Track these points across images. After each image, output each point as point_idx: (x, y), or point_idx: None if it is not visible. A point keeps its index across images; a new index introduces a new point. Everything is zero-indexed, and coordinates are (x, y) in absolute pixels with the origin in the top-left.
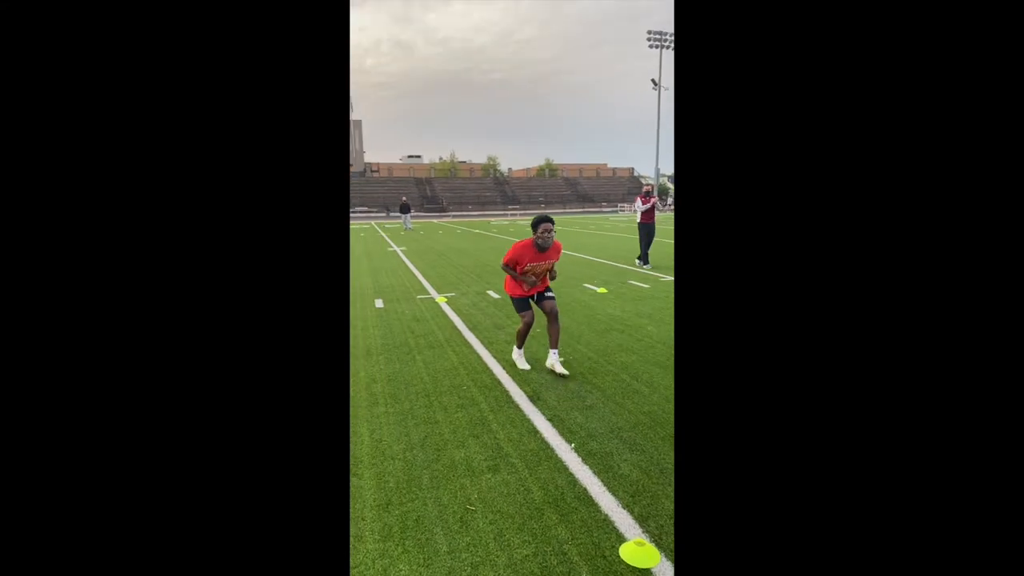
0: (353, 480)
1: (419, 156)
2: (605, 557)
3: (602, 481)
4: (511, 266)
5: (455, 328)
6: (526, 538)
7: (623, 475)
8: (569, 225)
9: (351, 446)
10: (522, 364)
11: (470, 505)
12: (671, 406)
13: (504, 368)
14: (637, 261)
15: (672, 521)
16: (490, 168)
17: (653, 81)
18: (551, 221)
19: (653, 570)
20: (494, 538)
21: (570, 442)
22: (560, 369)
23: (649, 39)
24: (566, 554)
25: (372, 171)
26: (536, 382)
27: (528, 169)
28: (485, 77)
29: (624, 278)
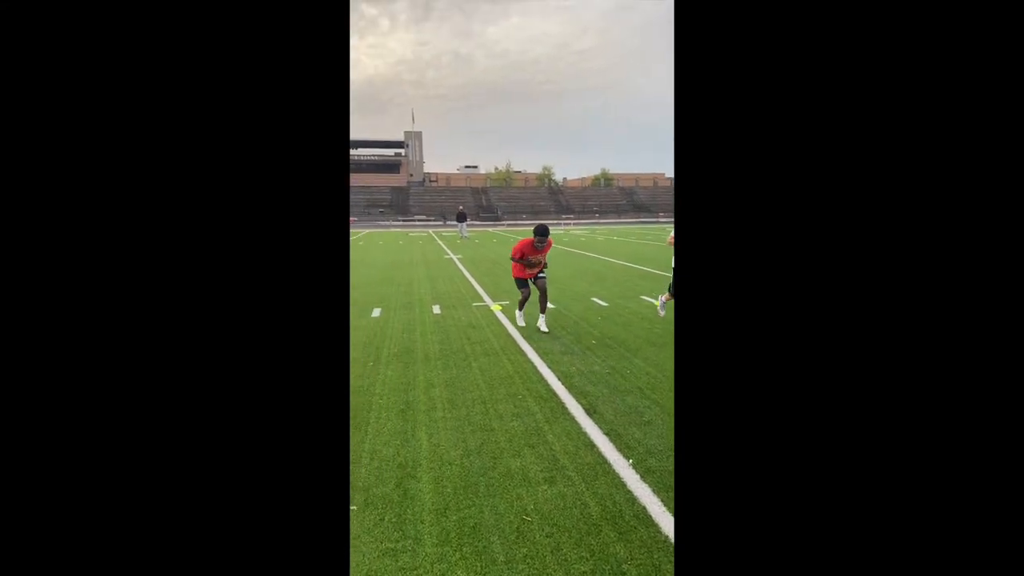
0: (412, 483)
1: (476, 166)
2: None
3: (662, 500)
4: (517, 256)
5: (509, 336)
6: (583, 554)
7: None
8: (625, 235)
9: (411, 449)
10: (520, 322)
11: (526, 516)
12: None
13: (559, 379)
14: (663, 297)
15: None
16: (545, 177)
17: None
18: (548, 233)
19: None
20: (551, 552)
21: (628, 458)
22: (544, 328)
23: None
24: (625, 574)
25: (431, 181)
26: (592, 395)
27: (583, 179)
28: (541, 88)
29: None
